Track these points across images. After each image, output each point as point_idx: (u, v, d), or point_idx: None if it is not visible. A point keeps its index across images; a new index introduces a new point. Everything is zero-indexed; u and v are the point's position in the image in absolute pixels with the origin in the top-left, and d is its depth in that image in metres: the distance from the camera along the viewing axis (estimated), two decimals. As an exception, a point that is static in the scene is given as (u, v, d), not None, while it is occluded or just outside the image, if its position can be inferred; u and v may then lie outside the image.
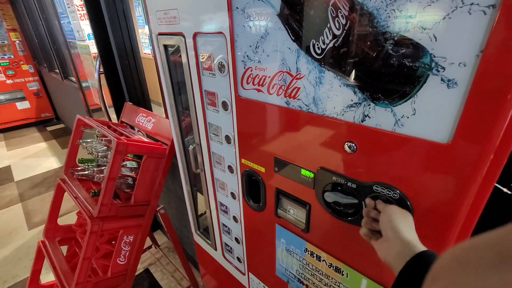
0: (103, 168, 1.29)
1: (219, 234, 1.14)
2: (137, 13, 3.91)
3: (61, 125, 4.99)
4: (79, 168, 1.34)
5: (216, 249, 1.22)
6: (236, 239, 1.05)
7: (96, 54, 1.70)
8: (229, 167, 0.89)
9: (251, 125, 0.74)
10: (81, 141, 1.39)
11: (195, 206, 1.24)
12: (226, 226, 1.08)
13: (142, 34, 4.11)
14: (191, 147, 0.98)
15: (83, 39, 2.07)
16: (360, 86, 0.48)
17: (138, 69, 1.71)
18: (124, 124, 1.61)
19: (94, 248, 1.14)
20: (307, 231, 0.72)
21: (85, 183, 1.37)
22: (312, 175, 0.64)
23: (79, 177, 1.35)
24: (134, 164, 1.27)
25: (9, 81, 4.52)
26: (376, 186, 0.52)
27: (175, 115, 1.04)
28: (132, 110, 1.58)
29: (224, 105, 0.79)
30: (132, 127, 1.59)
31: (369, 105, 0.48)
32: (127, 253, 1.26)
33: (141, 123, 1.46)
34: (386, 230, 0.46)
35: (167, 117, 1.40)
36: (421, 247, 0.41)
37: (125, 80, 1.69)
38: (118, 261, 1.24)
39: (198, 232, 1.30)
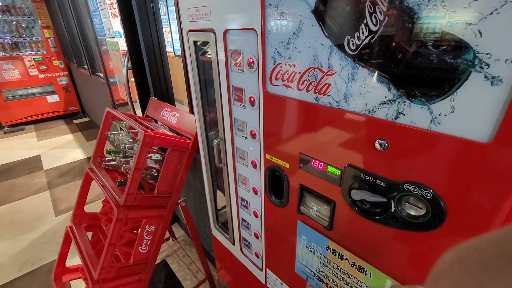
0: (129, 159, 1.35)
1: (238, 228, 1.16)
2: (161, 12, 4.03)
3: (87, 119, 5.23)
4: (106, 159, 1.40)
5: (234, 244, 1.24)
6: (255, 235, 1.06)
7: (125, 51, 1.78)
8: (253, 162, 0.91)
9: (277, 121, 0.75)
10: (109, 133, 1.45)
11: (215, 201, 1.27)
12: (245, 221, 1.10)
13: (165, 33, 4.23)
14: (215, 142, 1.00)
15: (113, 36, 2.16)
16: (396, 83, 0.48)
17: (164, 66, 1.76)
18: (149, 118, 1.67)
19: (119, 235, 1.19)
20: (330, 228, 0.72)
21: (111, 173, 1.44)
22: (339, 172, 0.64)
23: (106, 167, 1.41)
24: (158, 157, 1.31)
25: (41, 75, 4.79)
26: (408, 185, 0.51)
27: (201, 110, 1.06)
28: (157, 105, 1.64)
29: (251, 101, 0.80)
30: (156, 121, 1.64)
31: (404, 102, 0.48)
32: (149, 242, 1.30)
33: (165, 118, 1.51)
34: None
35: (190, 112, 1.43)
36: None
37: (151, 76, 1.75)
38: (140, 249, 1.28)
39: (216, 226, 1.33)
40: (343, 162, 0.62)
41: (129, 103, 1.96)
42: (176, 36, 4.04)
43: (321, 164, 0.67)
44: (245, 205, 1.05)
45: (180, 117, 1.44)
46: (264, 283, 1.13)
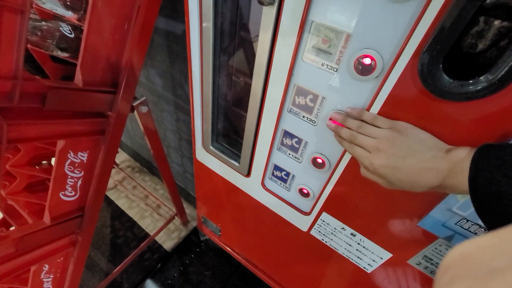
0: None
1: (268, 151, 0.63)
2: None
3: None
4: None
5: (248, 174, 0.73)
6: (317, 161, 0.55)
7: None
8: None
9: None
10: None
11: (217, 98, 0.66)
12: (294, 137, 0.57)
13: None
14: None
15: None
16: None
17: None
18: None
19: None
20: None
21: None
22: None
23: None
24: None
25: None
26: None
27: None
28: None
29: None
30: None
31: None
32: (80, 181, 0.67)
33: None
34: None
35: None
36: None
37: None
38: (61, 196, 0.65)
39: (213, 145, 0.76)
40: None
41: None
42: None
43: None
44: (308, 106, 0.49)
45: None
46: (306, 230, 0.71)
